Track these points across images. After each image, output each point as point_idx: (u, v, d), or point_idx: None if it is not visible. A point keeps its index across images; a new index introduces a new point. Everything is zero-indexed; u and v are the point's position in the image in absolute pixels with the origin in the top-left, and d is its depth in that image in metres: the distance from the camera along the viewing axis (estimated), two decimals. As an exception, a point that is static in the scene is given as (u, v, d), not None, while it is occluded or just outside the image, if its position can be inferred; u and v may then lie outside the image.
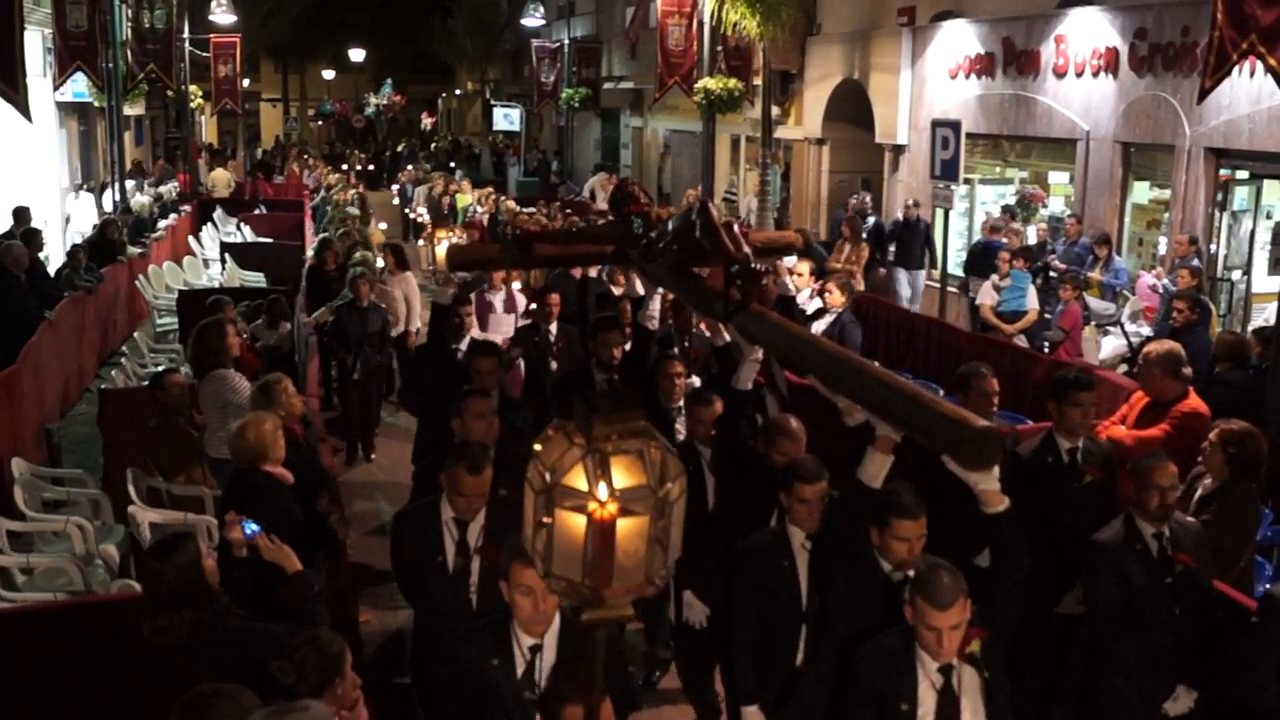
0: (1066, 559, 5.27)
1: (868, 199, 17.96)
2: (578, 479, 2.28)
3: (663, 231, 4.84)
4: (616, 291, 10.03)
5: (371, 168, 41.49)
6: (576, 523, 2.27)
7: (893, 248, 16.44)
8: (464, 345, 8.21)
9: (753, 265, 4.25)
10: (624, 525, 2.25)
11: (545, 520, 2.32)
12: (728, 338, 5.44)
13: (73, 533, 7.36)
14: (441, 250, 7.98)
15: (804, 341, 3.85)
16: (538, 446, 2.38)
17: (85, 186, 23.50)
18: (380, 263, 13.94)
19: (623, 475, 2.27)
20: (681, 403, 6.48)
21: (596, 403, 2.33)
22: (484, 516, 4.87)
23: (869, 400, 3.40)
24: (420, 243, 9.17)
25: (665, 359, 6.83)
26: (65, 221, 21.00)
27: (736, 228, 4.45)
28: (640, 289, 6.44)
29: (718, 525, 5.43)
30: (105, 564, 7.24)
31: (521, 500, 2.43)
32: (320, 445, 7.46)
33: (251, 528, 4.81)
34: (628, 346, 7.32)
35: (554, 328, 8.66)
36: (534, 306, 9.24)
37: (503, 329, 10.13)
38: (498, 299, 10.55)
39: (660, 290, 6.32)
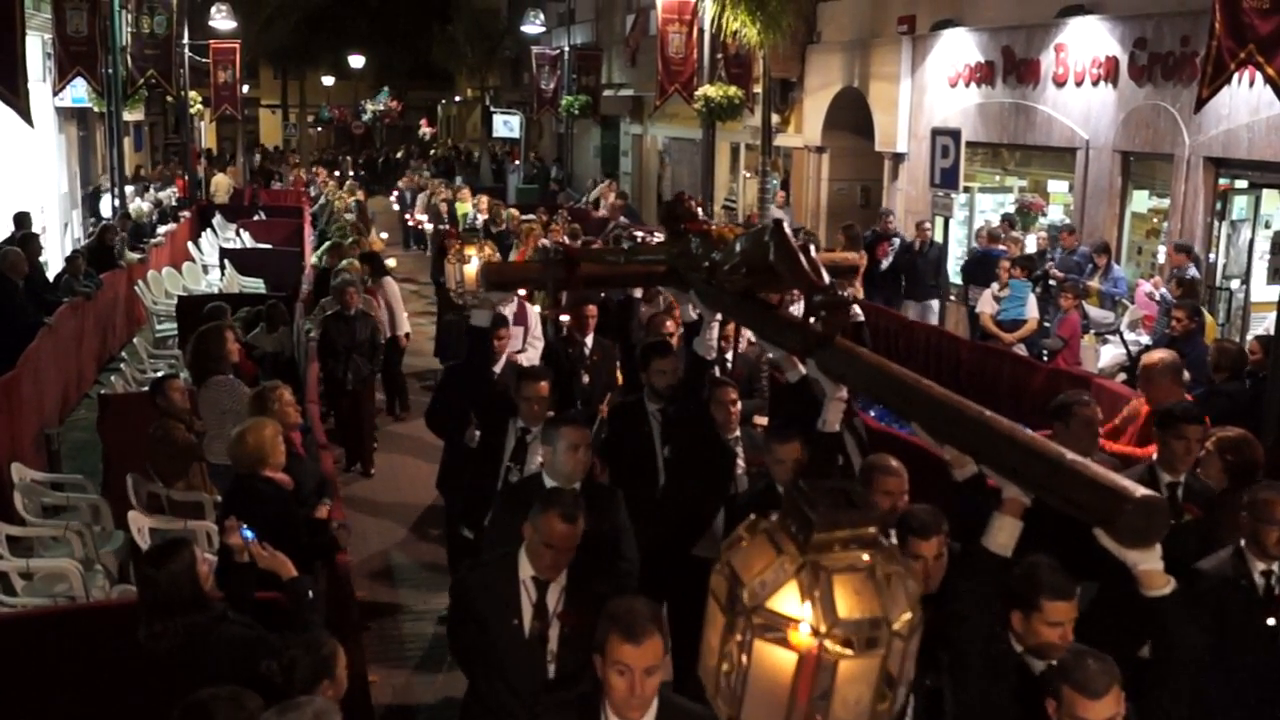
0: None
1: (894, 219, 16.03)
2: (787, 602, 1.75)
3: (729, 254, 4.36)
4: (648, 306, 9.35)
5: (363, 173, 41.14)
6: (782, 660, 1.75)
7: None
8: (498, 369, 7.53)
9: (837, 294, 3.77)
10: (846, 667, 1.74)
11: (735, 651, 1.80)
12: (803, 371, 4.82)
13: (72, 538, 7.35)
14: (471, 269, 7.81)
15: (908, 384, 3.25)
16: (730, 554, 1.88)
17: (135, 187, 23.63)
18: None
19: (849, 601, 1.75)
20: (738, 432, 6.11)
21: (817, 500, 1.82)
22: (565, 577, 4.32)
23: (995, 460, 2.88)
24: (449, 261, 8.94)
25: (718, 386, 6.21)
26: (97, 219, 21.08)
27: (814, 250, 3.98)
28: (694, 314, 5.67)
29: None
30: (104, 569, 7.23)
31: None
32: (321, 452, 7.46)
33: (247, 534, 4.81)
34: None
35: (590, 340, 8.30)
36: (566, 318, 8.89)
37: (512, 343, 9.56)
38: (507, 311, 9.95)
39: (719, 316, 5.69)
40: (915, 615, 1.81)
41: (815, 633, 1.73)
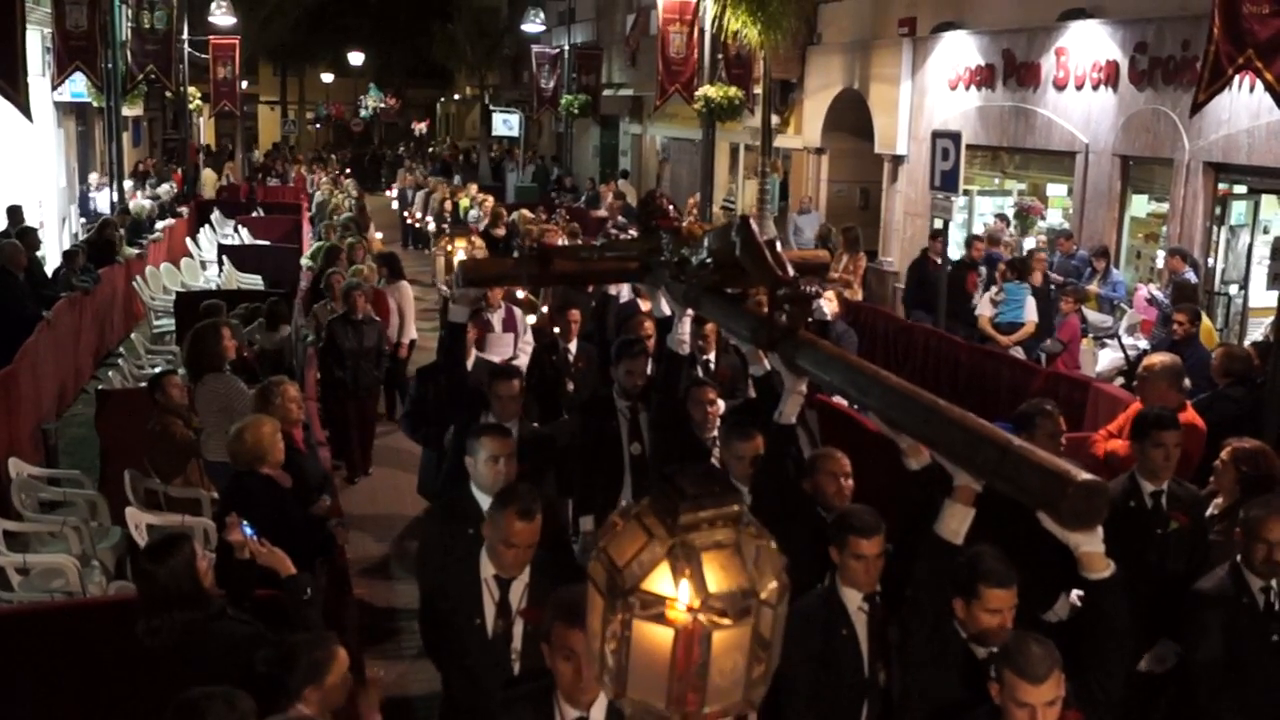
0: (1149, 613, 4.90)
1: (981, 245, 13.93)
2: (660, 583, 1.86)
3: (697, 249, 4.48)
4: (645, 306, 9.21)
5: (350, 170, 40.85)
6: (660, 636, 1.85)
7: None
8: (469, 366, 7.49)
9: (801, 288, 3.88)
10: (720, 638, 1.85)
11: (617, 632, 1.90)
12: (768, 366, 4.87)
13: (69, 534, 7.34)
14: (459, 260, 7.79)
15: (865, 375, 3.35)
16: (604, 540, 1.98)
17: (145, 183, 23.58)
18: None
19: (718, 576, 1.86)
20: (716, 433, 6.03)
21: (682, 484, 1.93)
22: (528, 574, 4.34)
23: (946, 447, 2.97)
24: (436, 254, 8.71)
25: (696, 386, 6.26)
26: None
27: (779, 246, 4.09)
28: (666, 309, 5.72)
29: None
30: (101, 565, 7.22)
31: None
32: (320, 448, 7.44)
33: (247, 531, 4.81)
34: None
35: (573, 346, 8.22)
36: (552, 324, 8.81)
37: (500, 349, 9.56)
38: (496, 317, 9.75)
39: (690, 311, 5.76)
40: (781, 583, 1.94)
41: (689, 609, 1.84)
